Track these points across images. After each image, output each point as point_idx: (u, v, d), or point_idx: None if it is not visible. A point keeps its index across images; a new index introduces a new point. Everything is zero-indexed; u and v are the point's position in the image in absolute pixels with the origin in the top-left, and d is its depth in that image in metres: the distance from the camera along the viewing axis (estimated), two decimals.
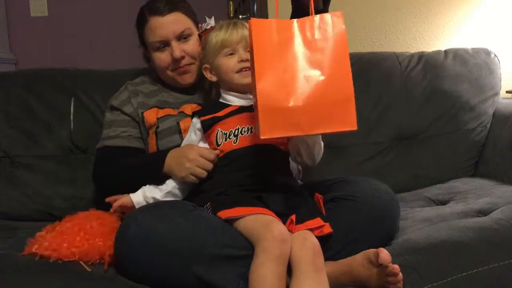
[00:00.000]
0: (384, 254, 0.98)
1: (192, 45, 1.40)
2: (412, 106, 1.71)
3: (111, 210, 1.27)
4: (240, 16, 2.43)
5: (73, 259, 1.10)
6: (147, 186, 1.26)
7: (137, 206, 1.24)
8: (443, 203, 1.49)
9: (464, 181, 1.62)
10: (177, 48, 1.38)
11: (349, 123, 1.04)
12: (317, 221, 1.09)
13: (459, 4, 1.97)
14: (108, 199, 1.28)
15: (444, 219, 1.25)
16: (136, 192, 1.26)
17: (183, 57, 1.39)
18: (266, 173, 1.19)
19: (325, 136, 1.28)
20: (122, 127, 1.42)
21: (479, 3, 1.96)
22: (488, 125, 1.74)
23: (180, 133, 1.36)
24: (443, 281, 1.03)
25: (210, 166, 1.22)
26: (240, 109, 1.25)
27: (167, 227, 1.03)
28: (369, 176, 1.32)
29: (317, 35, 1.07)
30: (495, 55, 1.78)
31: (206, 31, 1.33)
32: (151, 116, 1.40)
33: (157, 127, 1.38)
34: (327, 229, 1.09)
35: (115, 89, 1.50)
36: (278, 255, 0.98)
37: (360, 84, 1.68)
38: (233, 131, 1.22)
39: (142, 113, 1.41)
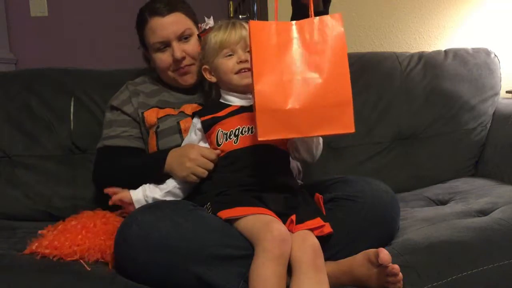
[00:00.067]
0: (384, 254, 0.98)
1: (192, 45, 1.40)
2: (412, 106, 1.71)
3: (110, 202, 1.27)
4: (240, 16, 2.42)
5: (74, 257, 1.10)
6: (148, 185, 1.27)
7: (136, 204, 1.24)
8: (443, 203, 1.49)
9: (464, 181, 1.63)
10: (178, 49, 1.38)
11: (347, 125, 1.04)
12: (317, 221, 1.09)
13: (459, 4, 1.97)
14: (106, 190, 1.28)
15: (444, 219, 1.25)
16: (137, 190, 1.26)
17: (184, 58, 1.39)
18: (266, 173, 1.19)
19: (325, 136, 1.28)
20: (122, 127, 1.42)
21: (479, 3, 1.96)
22: (488, 125, 1.74)
23: (180, 133, 1.36)
24: (443, 281, 1.03)
25: (211, 165, 1.22)
26: (241, 109, 1.24)
27: (167, 227, 1.03)
28: (369, 176, 1.32)
29: (316, 37, 1.07)
30: (495, 55, 1.78)
31: (205, 32, 1.34)
32: (151, 116, 1.40)
33: (158, 127, 1.38)
34: (327, 229, 1.09)
35: (115, 89, 1.50)
36: (278, 255, 0.98)
37: (360, 84, 1.68)
38: (234, 131, 1.22)
39: (143, 113, 1.41)
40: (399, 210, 1.22)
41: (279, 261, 0.98)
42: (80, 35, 3.15)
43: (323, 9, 1.26)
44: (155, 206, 1.12)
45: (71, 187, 1.56)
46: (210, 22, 1.37)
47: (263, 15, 2.03)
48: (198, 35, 1.41)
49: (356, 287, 1.04)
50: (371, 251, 1.01)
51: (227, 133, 1.23)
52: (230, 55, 1.25)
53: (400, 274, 0.98)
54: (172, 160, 1.26)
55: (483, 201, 1.37)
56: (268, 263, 0.98)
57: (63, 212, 1.45)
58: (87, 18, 3.16)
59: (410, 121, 1.70)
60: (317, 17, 1.09)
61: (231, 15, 2.77)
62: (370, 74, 1.72)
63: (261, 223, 1.04)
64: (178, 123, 1.37)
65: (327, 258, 1.05)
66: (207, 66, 1.30)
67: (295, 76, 1.05)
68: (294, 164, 1.42)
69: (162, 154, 1.29)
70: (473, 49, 1.80)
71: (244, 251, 1.03)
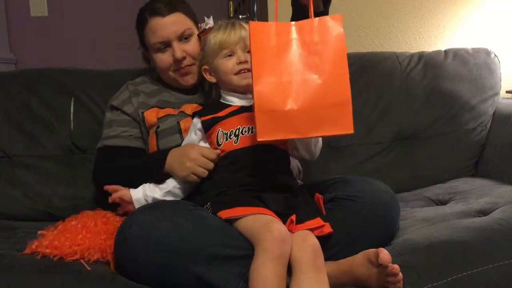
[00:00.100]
0: (384, 254, 0.98)
1: (192, 45, 1.40)
2: (412, 106, 1.71)
3: (110, 200, 1.27)
4: (240, 16, 2.42)
5: (74, 257, 1.10)
6: (148, 184, 1.27)
7: (135, 203, 1.24)
8: (443, 203, 1.49)
9: (464, 181, 1.63)
10: (178, 49, 1.38)
11: (345, 126, 1.04)
12: (317, 221, 1.09)
13: (459, 4, 1.97)
14: (107, 187, 1.28)
15: (444, 219, 1.25)
16: (137, 189, 1.26)
17: (184, 58, 1.39)
18: (266, 173, 1.19)
19: (324, 136, 1.28)
20: (123, 127, 1.42)
21: (479, 3, 1.96)
22: (488, 125, 1.74)
23: (180, 132, 1.36)
24: (443, 281, 1.03)
25: (211, 165, 1.22)
26: (241, 109, 1.24)
27: (167, 227, 1.03)
28: (369, 176, 1.32)
29: (315, 38, 1.07)
30: (495, 55, 1.78)
31: (205, 32, 1.34)
32: (151, 116, 1.40)
33: (158, 127, 1.38)
34: (327, 229, 1.09)
35: (115, 89, 1.50)
36: (278, 255, 0.98)
37: (360, 84, 1.68)
38: (234, 131, 1.22)
39: (143, 113, 1.41)
40: (399, 210, 1.22)
41: (279, 261, 0.98)
42: (80, 35, 3.15)
43: (323, 9, 1.26)
44: (155, 206, 1.12)
45: (71, 187, 1.56)
46: (210, 22, 1.38)
47: (263, 15, 2.03)
48: (198, 35, 1.41)
49: (356, 287, 1.04)
50: (371, 251, 1.01)
51: (227, 133, 1.23)
52: (229, 55, 1.25)
53: (400, 274, 0.98)
54: (172, 160, 1.26)
55: (483, 201, 1.37)
56: (268, 263, 0.98)
57: (63, 212, 1.45)
58: (87, 18, 3.16)
59: (410, 121, 1.70)
60: (317, 18, 1.09)
61: (231, 15, 2.77)
62: (370, 74, 1.72)
63: (261, 223, 1.04)
64: (178, 123, 1.37)
65: (327, 258, 1.05)
66: (207, 67, 1.30)
67: (295, 77, 1.05)
68: (294, 164, 1.42)
69: (162, 154, 1.29)
70: (473, 49, 1.80)
71: (244, 251, 1.03)
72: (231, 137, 1.22)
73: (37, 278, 1.03)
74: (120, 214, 1.29)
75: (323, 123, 1.04)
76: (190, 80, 1.42)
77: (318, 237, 1.06)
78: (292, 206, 1.13)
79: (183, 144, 1.31)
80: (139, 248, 1.02)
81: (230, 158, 1.22)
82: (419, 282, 1.02)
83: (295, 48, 1.07)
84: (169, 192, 1.25)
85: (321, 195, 1.20)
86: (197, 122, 1.28)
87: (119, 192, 1.26)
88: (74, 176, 1.57)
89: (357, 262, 1.03)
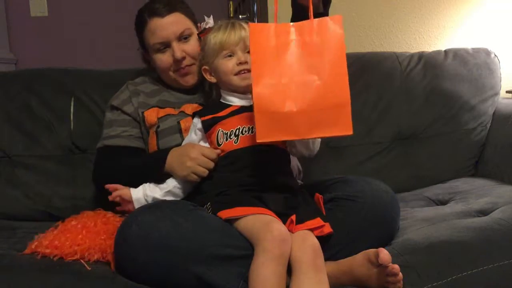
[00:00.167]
0: (384, 254, 0.98)
1: (192, 45, 1.40)
2: (412, 106, 1.71)
3: (110, 198, 1.27)
4: (240, 16, 2.42)
5: (75, 257, 1.11)
6: (148, 184, 1.27)
7: (135, 203, 1.24)
8: (443, 203, 1.49)
9: (464, 181, 1.63)
10: (178, 49, 1.38)
11: (345, 127, 1.05)
12: (317, 221, 1.09)
13: (459, 4, 1.97)
14: (107, 186, 1.28)
15: (444, 219, 1.25)
16: (137, 189, 1.26)
17: (184, 58, 1.39)
18: (266, 173, 1.19)
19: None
20: (123, 127, 1.42)
21: (479, 3, 1.96)
22: (488, 125, 1.74)
23: (180, 132, 1.36)
24: (443, 281, 1.03)
25: (211, 164, 1.22)
26: (241, 109, 1.24)
27: (167, 227, 1.03)
28: (369, 176, 1.32)
29: (315, 39, 1.07)
30: (495, 55, 1.78)
31: (205, 31, 1.33)
32: (151, 115, 1.40)
33: (158, 127, 1.38)
34: (327, 229, 1.09)
35: (115, 89, 1.50)
36: (278, 255, 0.98)
37: (360, 84, 1.68)
38: (234, 131, 1.22)
39: (143, 112, 1.41)
40: (399, 210, 1.22)
41: (279, 261, 0.98)
42: (80, 35, 3.16)
43: (323, 10, 1.25)
44: (155, 206, 1.12)
45: (71, 187, 1.56)
46: (210, 21, 1.37)
47: (263, 15, 2.03)
48: (198, 34, 1.40)
49: (356, 287, 1.04)
50: (371, 251, 1.01)
51: (227, 133, 1.23)
52: (229, 56, 1.25)
53: (400, 274, 0.98)
54: (172, 159, 1.26)
55: (483, 201, 1.37)
56: (268, 263, 0.98)
57: (63, 212, 1.45)
58: (87, 18, 3.16)
59: (410, 121, 1.70)
60: (317, 19, 1.09)
61: (231, 15, 2.77)
62: (370, 74, 1.72)
63: (261, 223, 1.04)
64: (178, 122, 1.37)
65: (327, 258, 1.05)
66: (206, 67, 1.30)
67: (294, 78, 1.05)
68: (294, 164, 1.42)
69: (163, 153, 1.29)
70: (473, 49, 1.80)
71: (244, 251, 1.03)
72: (231, 137, 1.22)
73: (37, 278, 1.03)
74: (119, 213, 1.29)
75: (322, 124, 1.04)
76: (190, 80, 1.42)
77: (318, 237, 1.06)
78: (292, 206, 1.13)
79: (183, 144, 1.31)
80: (139, 248, 1.02)
81: (230, 158, 1.22)
82: (419, 282, 1.02)
83: (294, 49, 1.07)
84: (169, 192, 1.25)
85: (321, 195, 1.20)
86: (197, 122, 1.28)
87: (119, 191, 1.26)
88: (74, 176, 1.57)
89: (357, 262, 1.04)
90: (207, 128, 1.25)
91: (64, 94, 1.62)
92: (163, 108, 1.42)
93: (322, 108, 1.04)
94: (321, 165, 1.61)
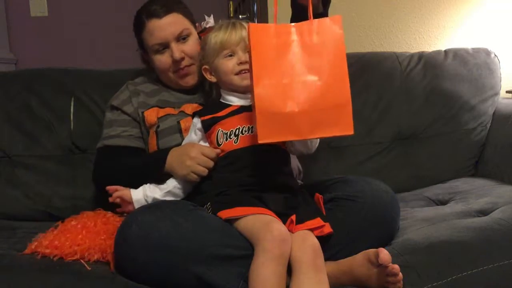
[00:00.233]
0: (384, 254, 0.98)
1: (191, 45, 1.40)
2: (412, 106, 1.71)
3: (110, 200, 1.27)
4: (240, 16, 2.42)
5: (75, 257, 1.11)
6: (148, 185, 1.27)
7: (135, 204, 1.24)
8: (443, 203, 1.49)
9: (464, 181, 1.63)
10: (177, 49, 1.38)
11: (346, 127, 1.05)
12: (317, 221, 1.09)
13: (459, 4, 1.97)
14: (108, 187, 1.28)
15: (444, 219, 1.25)
16: (137, 190, 1.26)
17: (182, 58, 1.39)
18: (266, 173, 1.19)
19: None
20: (123, 127, 1.42)
21: (479, 3, 1.96)
22: (488, 125, 1.74)
23: (180, 132, 1.36)
24: (443, 281, 1.03)
25: (211, 164, 1.22)
26: (241, 109, 1.24)
27: (167, 227, 1.03)
28: (369, 176, 1.32)
29: (315, 39, 1.07)
30: (495, 55, 1.78)
31: (206, 31, 1.33)
32: (151, 115, 1.40)
33: (158, 127, 1.38)
34: (327, 229, 1.09)
35: (115, 89, 1.50)
36: (278, 255, 0.98)
37: (360, 84, 1.68)
38: (234, 131, 1.22)
39: (143, 112, 1.41)
40: (399, 210, 1.22)
41: (279, 261, 0.98)
42: (80, 35, 3.16)
43: (322, 11, 1.25)
44: (155, 206, 1.12)
45: (71, 187, 1.56)
46: (211, 20, 1.37)
47: (263, 15, 2.03)
48: (198, 34, 1.40)
49: (356, 287, 1.04)
50: (371, 251, 1.01)
51: (227, 132, 1.23)
52: (230, 55, 1.25)
53: (400, 274, 0.98)
54: (172, 159, 1.26)
55: (483, 201, 1.37)
56: (268, 263, 0.98)
57: (63, 212, 1.46)
58: (87, 18, 3.16)
59: (410, 121, 1.70)
60: (317, 19, 1.09)
61: (231, 15, 2.77)
62: (370, 74, 1.72)
63: (261, 223, 1.04)
64: (178, 122, 1.37)
65: (327, 258, 1.05)
66: (207, 66, 1.30)
67: (294, 78, 1.05)
68: (294, 164, 1.42)
69: (163, 153, 1.29)
70: (473, 49, 1.80)
71: (244, 251, 1.03)
72: (231, 137, 1.22)
73: (37, 278, 1.03)
74: (119, 214, 1.29)
75: (324, 124, 1.05)
76: (190, 81, 1.42)
77: (318, 237, 1.06)
78: (292, 206, 1.13)
79: (183, 143, 1.31)
80: (139, 248, 1.02)
81: (230, 158, 1.22)
82: (419, 282, 1.02)
83: (294, 50, 1.07)
84: (169, 192, 1.25)
85: (321, 195, 1.20)
86: (197, 122, 1.28)
87: (119, 192, 1.26)
88: (74, 176, 1.57)
89: (357, 262, 1.04)
90: (207, 128, 1.25)
91: (64, 94, 1.62)
92: (163, 108, 1.42)
93: (323, 108, 1.04)
94: (321, 165, 1.61)
